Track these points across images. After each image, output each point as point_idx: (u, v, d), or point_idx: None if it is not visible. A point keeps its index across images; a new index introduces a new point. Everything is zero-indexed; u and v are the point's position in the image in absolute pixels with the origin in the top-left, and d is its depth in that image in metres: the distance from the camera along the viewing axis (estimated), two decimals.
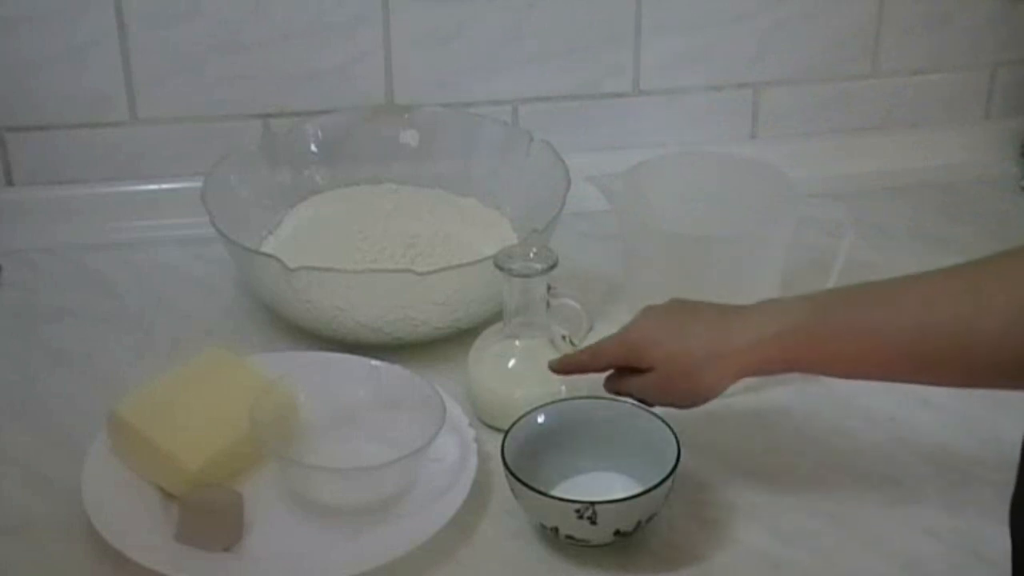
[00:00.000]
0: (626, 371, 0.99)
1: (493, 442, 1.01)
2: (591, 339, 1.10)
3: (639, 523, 0.94)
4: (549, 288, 1.06)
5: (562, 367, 1.03)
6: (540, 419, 1.00)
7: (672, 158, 1.19)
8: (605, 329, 1.13)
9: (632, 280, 1.15)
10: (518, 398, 1.04)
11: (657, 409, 1.00)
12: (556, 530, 0.94)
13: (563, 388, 1.06)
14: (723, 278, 1.07)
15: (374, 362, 1.07)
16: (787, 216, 1.10)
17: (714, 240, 1.09)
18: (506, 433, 0.98)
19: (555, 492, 0.96)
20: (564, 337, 1.08)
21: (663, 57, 1.40)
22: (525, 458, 0.97)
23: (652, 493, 0.92)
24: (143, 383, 1.03)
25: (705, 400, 0.96)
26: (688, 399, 0.97)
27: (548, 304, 1.07)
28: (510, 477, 0.94)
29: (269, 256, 1.14)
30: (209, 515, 0.95)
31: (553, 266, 1.05)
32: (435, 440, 0.98)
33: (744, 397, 1.11)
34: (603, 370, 1.01)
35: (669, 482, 0.93)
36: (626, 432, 1.00)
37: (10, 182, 1.35)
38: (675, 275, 1.08)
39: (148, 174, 1.36)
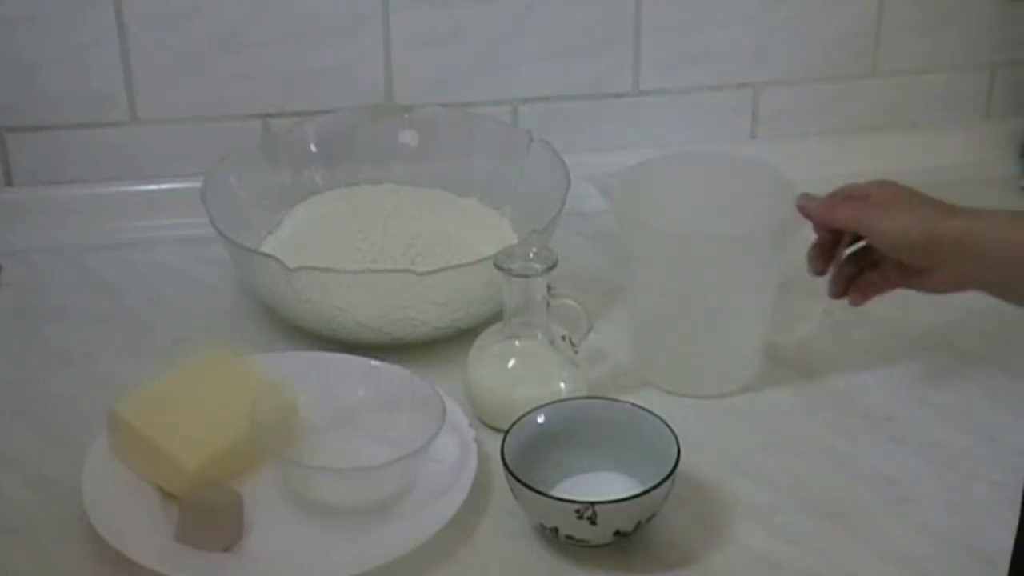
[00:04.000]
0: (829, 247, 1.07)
1: (493, 442, 1.01)
2: (591, 339, 1.10)
3: (639, 523, 0.94)
4: (549, 288, 1.06)
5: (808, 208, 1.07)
6: (540, 419, 1.00)
7: (671, 158, 1.19)
8: (605, 329, 1.14)
9: (630, 280, 1.15)
10: (518, 398, 1.04)
11: (657, 409, 1.00)
12: (556, 530, 0.94)
13: (563, 388, 1.06)
14: (720, 278, 1.07)
15: (374, 362, 1.07)
16: (785, 215, 1.10)
17: (710, 239, 1.09)
18: (506, 433, 0.98)
19: (555, 492, 0.96)
20: (564, 337, 1.08)
21: (663, 57, 1.40)
22: (525, 458, 0.97)
23: (652, 493, 0.92)
24: (143, 383, 1.03)
25: (912, 240, 1.00)
26: (899, 230, 1.01)
27: (548, 304, 1.07)
28: (510, 477, 0.94)
29: (269, 256, 1.14)
30: (209, 515, 0.95)
31: (553, 266, 1.05)
32: (435, 440, 0.98)
33: (744, 397, 1.11)
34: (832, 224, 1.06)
35: (669, 482, 0.93)
36: (626, 432, 1.00)
37: (10, 182, 1.35)
38: (672, 275, 1.08)
39: (148, 174, 1.36)
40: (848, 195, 1.06)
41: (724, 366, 1.13)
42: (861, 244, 1.07)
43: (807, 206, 1.06)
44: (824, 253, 1.08)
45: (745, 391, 1.11)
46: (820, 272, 1.08)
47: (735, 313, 1.10)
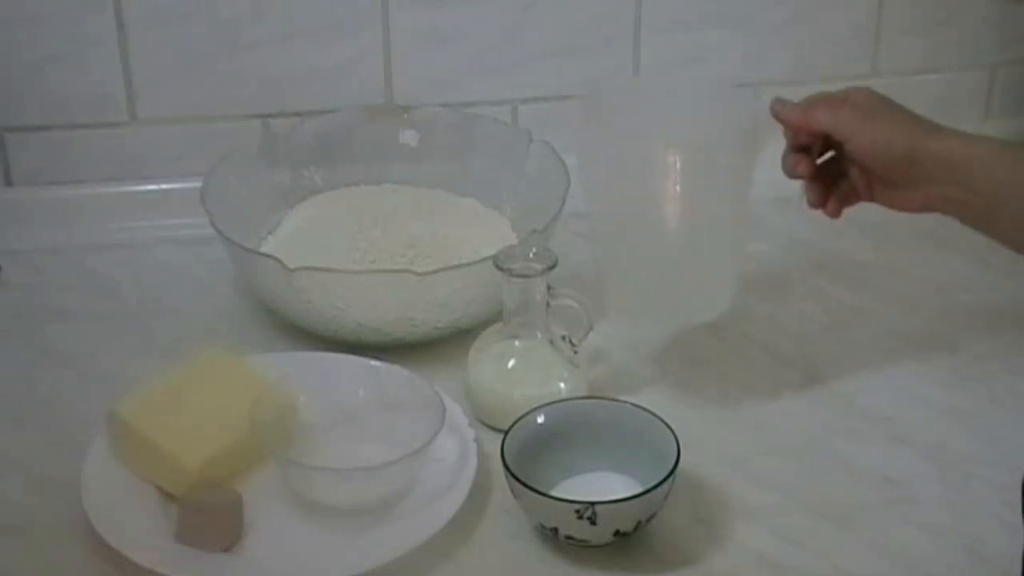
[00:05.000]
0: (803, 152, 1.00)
1: (493, 442, 1.01)
2: (591, 339, 1.10)
3: (639, 523, 0.94)
4: (549, 288, 1.06)
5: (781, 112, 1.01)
6: (540, 419, 1.00)
7: (641, 79, 1.14)
8: (605, 329, 1.14)
9: (593, 200, 1.08)
10: (518, 398, 1.04)
11: (658, 409, 1.00)
12: (556, 530, 0.94)
13: (563, 388, 1.06)
14: (687, 186, 1.02)
15: (374, 362, 1.07)
16: (755, 119, 1.03)
17: (679, 141, 1.02)
18: (506, 433, 0.98)
19: (555, 492, 0.96)
20: (564, 337, 1.08)
21: (663, 57, 1.40)
22: (525, 458, 0.97)
23: (652, 493, 0.92)
24: (143, 383, 1.03)
25: (891, 148, 0.96)
26: (872, 136, 0.97)
27: (548, 304, 1.07)
28: (510, 477, 0.94)
29: (269, 256, 1.14)
30: (209, 515, 0.95)
31: (553, 266, 1.05)
32: (435, 440, 0.98)
33: (744, 398, 1.11)
34: (808, 128, 1.00)
35: (669, 482, 0.93)
36: (626, 432, 1.00)
37: (10, 182, 1.35)
38: (638, 185, 1.03)
39: (148, 174, 1.36)
40: (824, 100, 1.00)
41: (696, 288, 1.06)
42: (830, 155, 1.02)
43: (781, 110, 1.00)
44: (800, 158, 1.02)
45: (745, 391, 1.11)
46: (797, 174, 1.02)
47: (706, 226, 1.04)
